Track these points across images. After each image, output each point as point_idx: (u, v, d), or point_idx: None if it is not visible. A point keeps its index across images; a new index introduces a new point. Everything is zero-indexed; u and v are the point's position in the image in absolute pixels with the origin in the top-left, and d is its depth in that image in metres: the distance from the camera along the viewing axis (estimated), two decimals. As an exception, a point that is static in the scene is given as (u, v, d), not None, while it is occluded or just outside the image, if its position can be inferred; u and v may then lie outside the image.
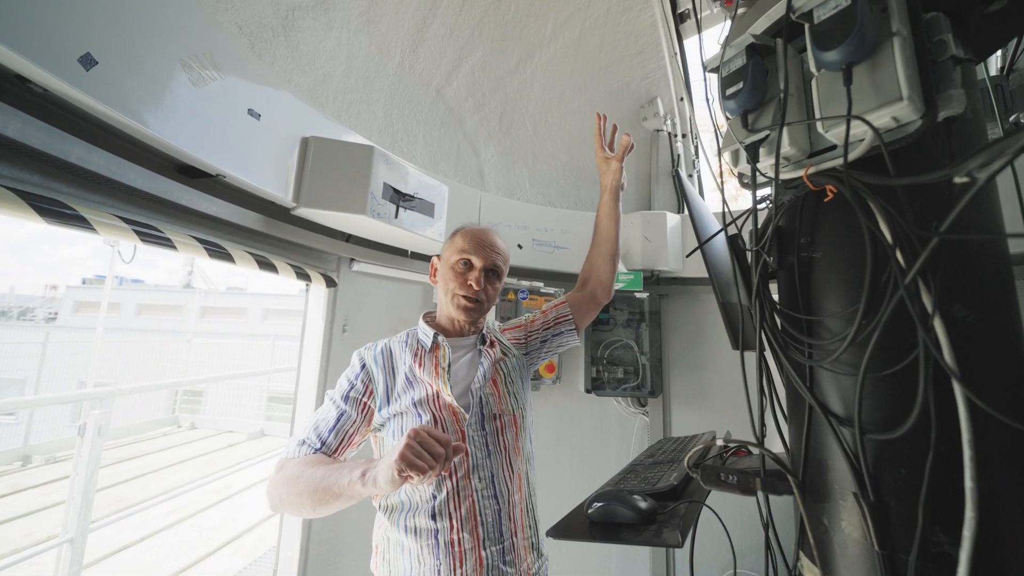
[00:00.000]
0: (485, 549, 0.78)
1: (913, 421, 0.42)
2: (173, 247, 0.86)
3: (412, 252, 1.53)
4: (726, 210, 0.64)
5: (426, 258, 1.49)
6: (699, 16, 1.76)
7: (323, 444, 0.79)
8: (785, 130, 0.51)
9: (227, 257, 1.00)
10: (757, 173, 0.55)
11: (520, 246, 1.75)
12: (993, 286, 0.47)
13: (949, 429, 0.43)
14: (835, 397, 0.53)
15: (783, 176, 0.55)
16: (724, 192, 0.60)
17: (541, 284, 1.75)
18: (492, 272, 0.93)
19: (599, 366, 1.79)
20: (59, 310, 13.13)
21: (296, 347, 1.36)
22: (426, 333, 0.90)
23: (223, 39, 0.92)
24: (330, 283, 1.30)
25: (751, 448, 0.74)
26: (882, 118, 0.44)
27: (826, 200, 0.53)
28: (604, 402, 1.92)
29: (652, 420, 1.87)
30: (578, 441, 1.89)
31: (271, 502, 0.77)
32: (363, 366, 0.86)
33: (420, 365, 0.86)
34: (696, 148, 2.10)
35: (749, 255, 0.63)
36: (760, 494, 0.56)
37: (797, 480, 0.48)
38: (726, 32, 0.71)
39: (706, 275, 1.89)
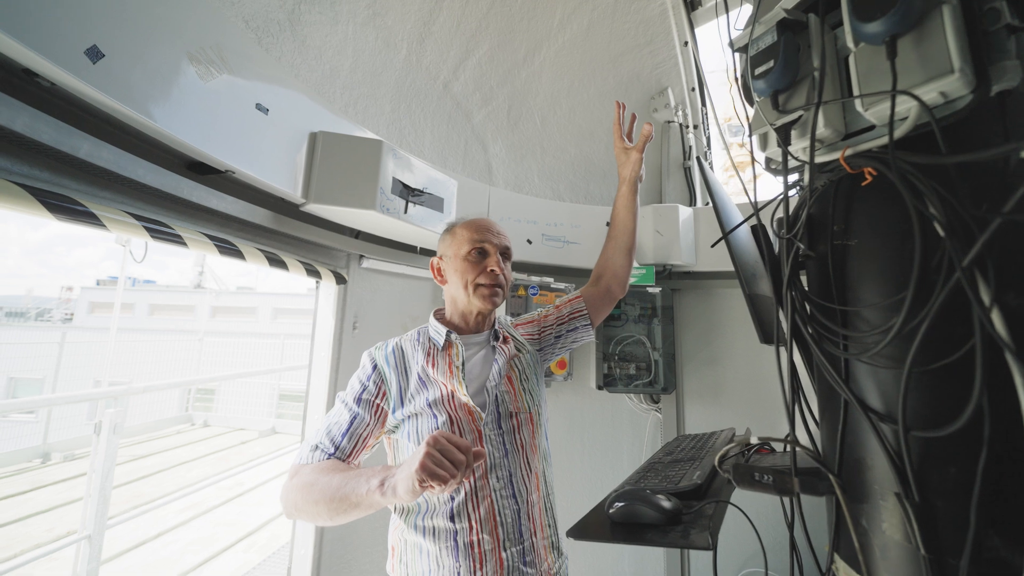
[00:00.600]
0: (505, 550, 0.76)
1: (968, 417, 0.39)
2: (183, 244, 0.85)
3: (421, 248, 1.51)
4: (751, 200, 0.61)
5: (436, 254, 1.48)
6: None
7: (337, 449, 0.77)
8: (820, 110, 0.48)
9: (237, 254, 0.99)
10: (788, 157, 0.52)
11: (529, 241, 1.72)
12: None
13: (1004, 425, 0.40)
14: (874, 392, 0.50)
15: (816, 159, 0.52)
16: (756, 178, 0.57)
17: (551, 279, 1.72)
18: (505, 255, 0.92)
19: (611, 362, 1.77)
20: (75, 311, 13.40)
21: (306, 345, 1.35)
22: (438, 331, 0.88)
23: (230, 33, 0.91)
24: (340, 280, 1.29)
25: (774, 445, 0.71)
26: (929, 93, 0.41)
27: (863, 184, 0.50)
28: (616, 399, 1.89)
29: (665, 417, 1.84)
30: (590, 438, 1.87)
31: (286, 509, 0.75)
32: (375, 367, 0.84)
33: (433, 365, 0.84)
34: (708, 139, 2.06)
35: (776, 244, 0.60)
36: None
37: (839, 480, 0.45)
38: (743, 16, 0.68)
39: (719, 269, 1.85)
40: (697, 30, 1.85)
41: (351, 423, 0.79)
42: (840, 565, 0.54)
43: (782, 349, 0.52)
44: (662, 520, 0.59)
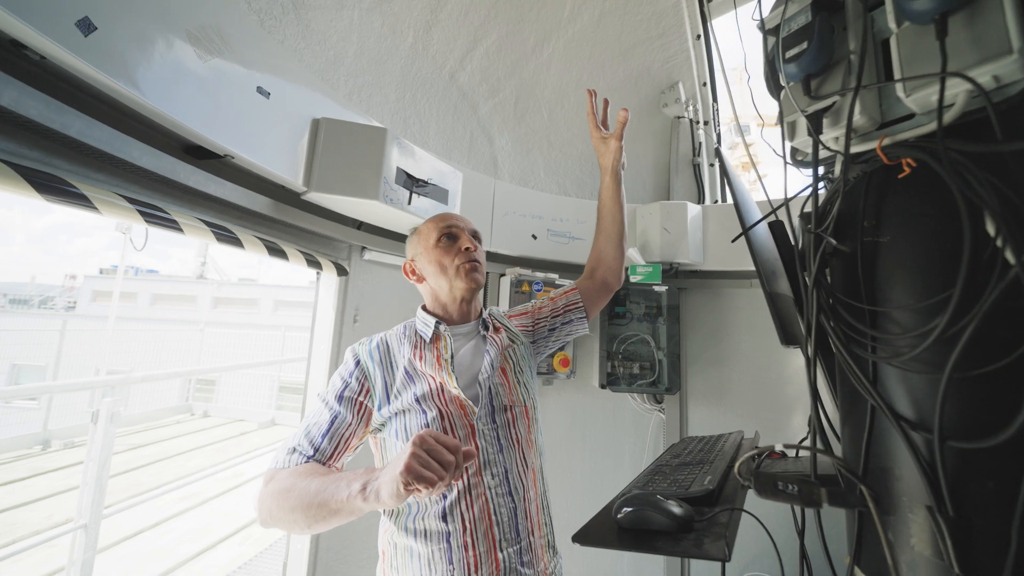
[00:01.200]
0: (502, 551, 0.73)
1: (1017, 428, 0.36)
2: (180, 230, 0.82)
3: (424, 241, 1.48)
4: (766, 196, 0.57)
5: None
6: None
7: (316, 451, 0.73)
8: (857, 96, 0.45)
9: (236, 242, 0.96)
10: (819, 147, 0.49)
11: (535, 236, 1.69)
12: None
13: (1050, 438, 0.37)
14: (904, 399, 0.47)
15: (850, 149, 0.49)
16: (786, 170, 0.54)
17: (556, 276, 1.69)
18: (475, 236, 0.92)
19: (614, 361, 1.74)
20: (78, 299, 13.43)
21: (306, 338, 1.33)
22: (426, 323, 0.85)
23: (231, 13, 0.87)
24: (341, 271, 1.27)
25: (788, 449, 0.68)
26: (982, 76, 0.38)
27: (900, 176, 0.46)
28: (619, 398, 1.87)
29: (668, 418, 1.81)
30: (591, 437, 1.85)
31: (261, 518, 0.70)
32: (357, 363, 0.81)
33: (420, 358, 0.81)
34: (719, 136, 2.02)
35: (801, 241, 0.57)
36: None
37: (872, 492, 0.42)
38: (764, 5, 0.64)
39: (728, 268, 1.81)
40: (713, 22, 1.81)
41: (332, 423, 0.75)
42: (861, 579, 0.51)
43: (807, 350, 0.49)
44: (673, 527, 0.56)
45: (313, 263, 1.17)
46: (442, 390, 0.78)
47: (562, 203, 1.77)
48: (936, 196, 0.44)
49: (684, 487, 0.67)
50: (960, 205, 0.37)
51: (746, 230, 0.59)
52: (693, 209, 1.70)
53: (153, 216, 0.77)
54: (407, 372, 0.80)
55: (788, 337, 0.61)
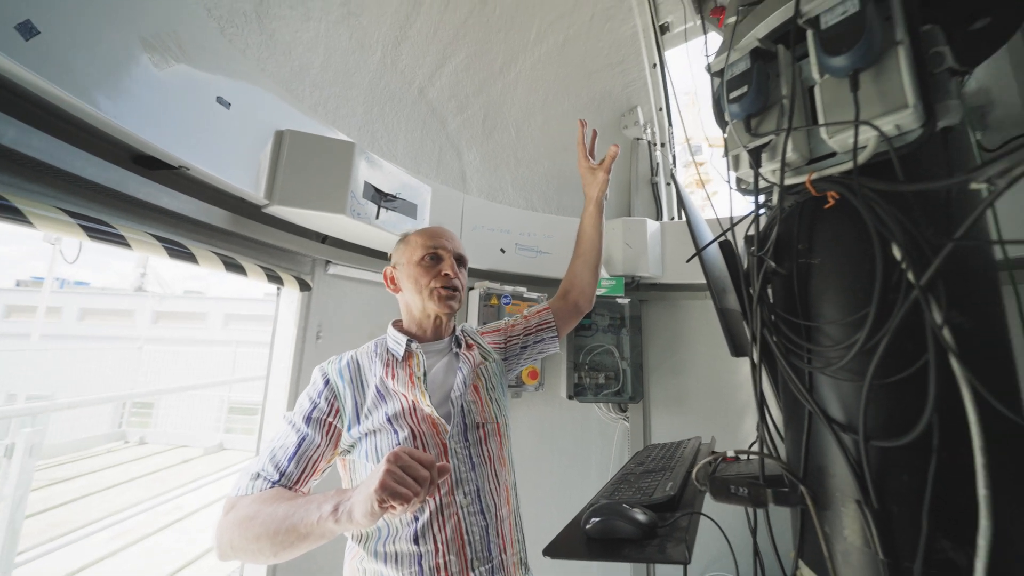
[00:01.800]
0: (473, 571, 0.73)
1: (922, 428, 0.42)
2: (127, 245, 0.77)
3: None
4: (716, 217, 0.63)
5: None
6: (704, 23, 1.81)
7: (282, 475, 0.70)
8: (789, 136, 0.51)
9: (190, 257, 0.91)
10: (759, 178, 0.55)
11: (503, 250, 1.72)
12: (984, 292, 0.48)
13: (949, 435, 0.43)
14: (835, 404, 0.53)
15: (784, 182, 0.55)
16: (731, 196, 0.60)
17: (524, 289, 1.72)
18: (460, 261, 0.92)
19: (581, 372, 1.78)
20: (-13, 315, 11.90)
21: (260, 353, 1.27)
22: (397, 341, 0.85)
23: (189, 20, 0.85)
24: (304, 287, 1.22)
25: (739, 455, 0.73)
26: (886, 125, 0.45)
27: (826, 207, 0.53)
28: (586, 408, 1.91)
29: (632, 426, 1.87)
30: (560, 448, 1.87)
31: (220, 550, 0.66)
32: (327, 382, 0.79)
33: (393, 376, 0.80)
34: (674, 158, 2.15)
35: (745, 261, 0.63)
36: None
37: (811, 492, 0.47)
38: (710, 44, 0.72)
39: (684, 281, 1.91)
40: (666, 53, 1.94)
41: (299, 445, 0.72)
42: (805, 571, 0.56)
43: (752, 361, 0.54)
44: (638, 534, 0.59)
45: (274, 278, 1.13)
46: (414, 409, 0.77)
47: (530, 218, 1.82)
48: (855, 224, 0.50)
49: (648, 494, 0.70)
50: (872, 234, 0.43)
51: (699, 251, 0.64)
52: (652, 225, 1.80)
53: (97, 231, 0.72)
54: (378, 391, 0.79)
55: (737, 348, 0.66)
